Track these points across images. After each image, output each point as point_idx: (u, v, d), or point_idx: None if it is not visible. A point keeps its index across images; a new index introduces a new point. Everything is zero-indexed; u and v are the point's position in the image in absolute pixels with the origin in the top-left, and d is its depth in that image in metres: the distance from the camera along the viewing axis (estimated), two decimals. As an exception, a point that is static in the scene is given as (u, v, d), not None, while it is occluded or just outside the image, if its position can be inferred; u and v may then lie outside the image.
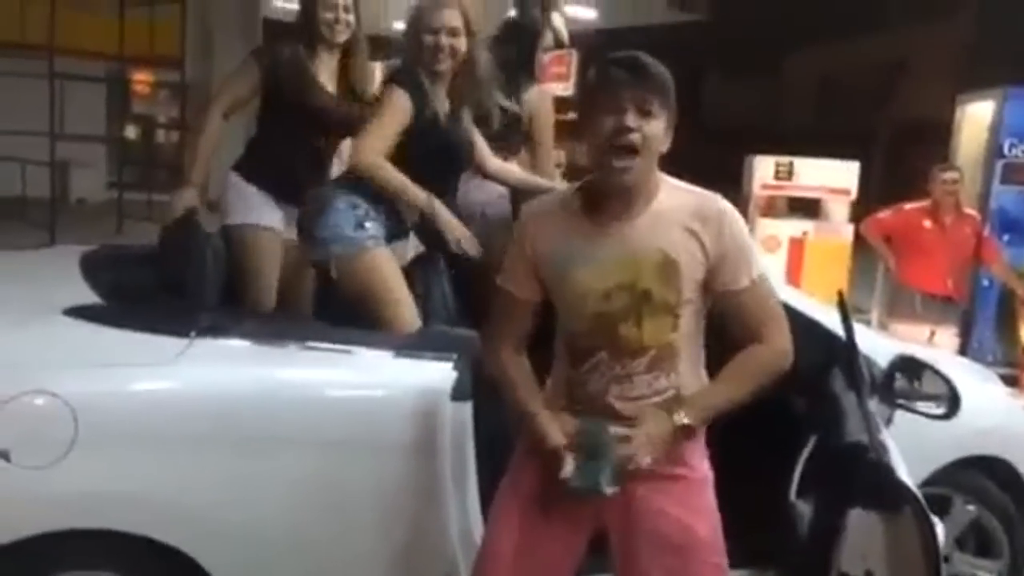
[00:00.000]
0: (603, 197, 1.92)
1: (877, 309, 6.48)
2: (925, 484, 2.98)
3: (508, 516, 2.03)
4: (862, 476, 2.14)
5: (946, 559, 3.09)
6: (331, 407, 2.33)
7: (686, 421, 1.88)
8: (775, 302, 1.99)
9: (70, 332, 2.20)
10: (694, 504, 2.00)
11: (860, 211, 6.30)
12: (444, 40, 2.75)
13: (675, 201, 1.93)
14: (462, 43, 2.77)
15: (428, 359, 2.38)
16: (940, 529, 2.09)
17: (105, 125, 15.25)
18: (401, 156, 2.69)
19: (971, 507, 3.10)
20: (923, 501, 2.01)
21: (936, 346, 5.29)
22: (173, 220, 3.09)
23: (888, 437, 2.29)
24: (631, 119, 1.83)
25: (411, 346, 2.44)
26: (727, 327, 1.99)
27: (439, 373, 2.34)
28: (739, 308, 1.95)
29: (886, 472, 2.07)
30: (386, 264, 2.71)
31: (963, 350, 5.97)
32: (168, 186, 12.64)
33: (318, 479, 2.26)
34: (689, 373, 1.99)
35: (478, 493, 2.33)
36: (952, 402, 2.61)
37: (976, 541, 3.15)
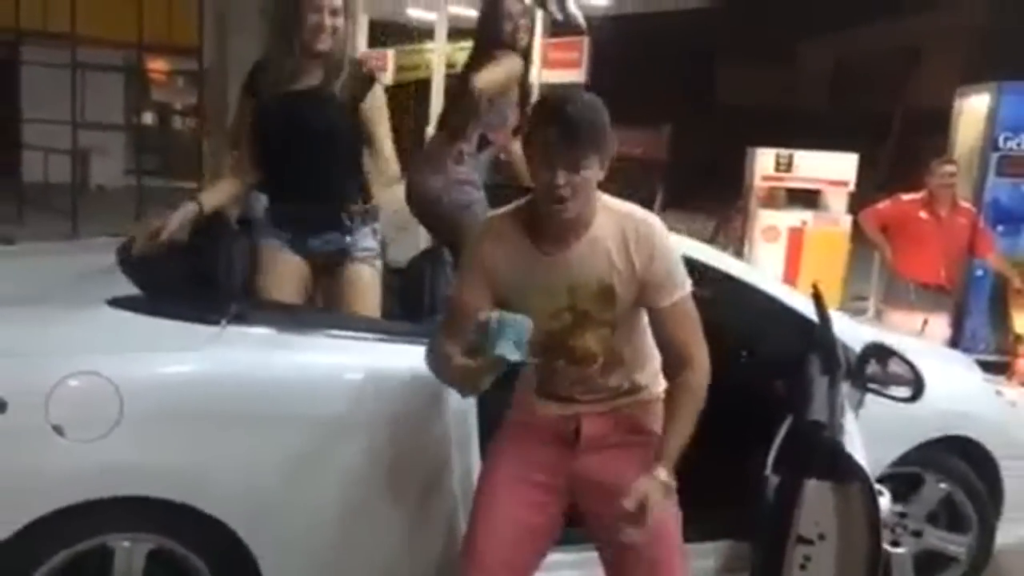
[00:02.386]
0: (546, 224, 2.11)
1: (874, 297, 6.67)
2: (899, 463, 3.22)
3: (492, 495, 2.28)
4: (818, 452, 2.37)
5: (918, 534, 3.34)
6: (348, 389, 2.56)
7: (665, 478, 2.06)
8: (694, 322, 2.17)
9: (114, 320, 2.44)
10: (651, 462, 2.20)
11: (865, 198, 6.45)
12: (327, 20, 2.80)
13: (611, 225, 2.12)
14: (341, 23, 2.82)
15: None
16: (884, 500, 2.32)
17: (123, 113, 15.50)
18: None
19: (943, 485, 3.32)
20: (870, 475, 2.24)
21: (929, 334, 5.49)
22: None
23: (852, 418, 2.51)
24: (561, 177, 1.99)
25: (418, 333, 2.67)
26: (657, 333, 2.22)
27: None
28: (661, 323, 2.16)
29: (839, 449, 2.30)
30: (269, 266, 2.93)
31: (956, 338, 6.15)
32: (185, 173, 12.96)
33: (336, 451, 2.50)
34: (636, 363, 2.24)
35: (478, 456, 2.57)
36: (916, 386, 2.82)
37: (947, 517, 3.37)
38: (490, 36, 3.57)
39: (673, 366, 2.19)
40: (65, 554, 2.31)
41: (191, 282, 2.77)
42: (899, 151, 20.22)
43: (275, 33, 2.93)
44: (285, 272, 2.94)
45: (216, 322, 2.47)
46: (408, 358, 2.58)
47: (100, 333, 2.41)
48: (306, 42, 2.81)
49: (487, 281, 2.17)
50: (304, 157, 2.89)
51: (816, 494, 2.36)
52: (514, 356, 1.96)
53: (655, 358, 2.27)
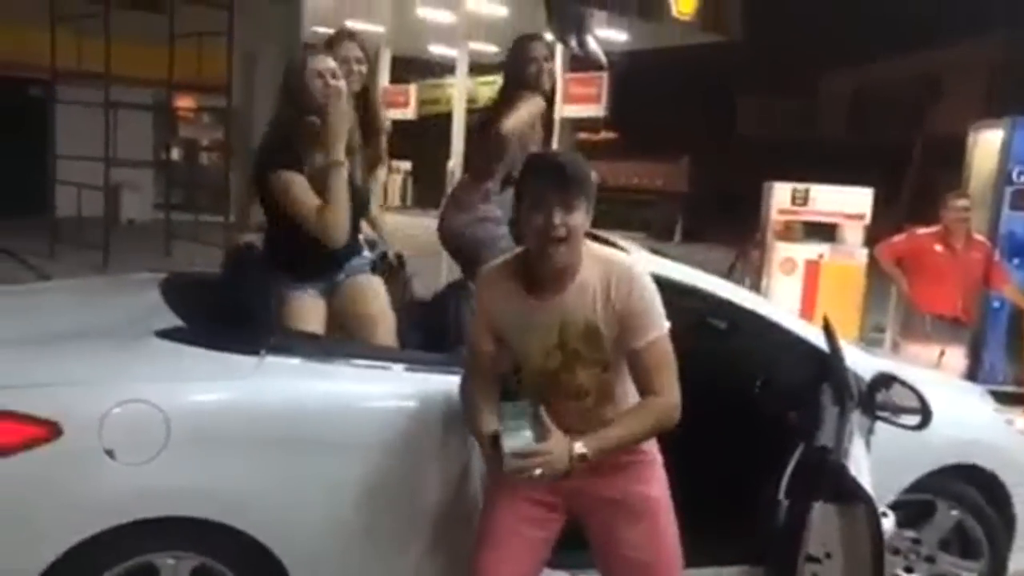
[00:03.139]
0: (538, 272, 2.33)
1: (891, 329, 6.75)
2: (911, 490, 3.31)
3: (494, 512, 2.45)
4: (825, 475, 2.49)
5: (931, 560, 3.42)
6: (377, 415, 2.72)
7: (581, 451, 2.22)
8: (670, 360, 2.32)
9: (162, 351, 2.60)
10: (647, 477, 2.42)
11: (882, 231, 6.53)
12: (330, 81, 3.03)
13: (596, 270, 2.32)
14: (343, 84, 3.08)
15: (455, 373, 2.74)
16: (887, 521, 2.43)
17: (152, 149, 15.85)
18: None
19: (954, 512, 3.40)
20: (873, 497, 2.35)
21: (946, 366, 5.56)
22: (234, 249, 3.50)
23: (860, 445, 2.62)
24: (557, 216, 2.21)
25: (444, 363, 2.81)
26: (632, 375, 2.37)
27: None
28: (636, 364, 2.32)
29: (844, 473, 2.41)
30: (293, 311, 3.07)
31: (973, 370, 6.21)
32: (212, 207, 13.26)
33: (366, 474, 2.64)
34: (624, 399, 2.40)
35: None
36: (924, 415, 2.92)
37: (959, 543, 3.45)
38: (515, 78, 3.74)
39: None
40: (113, 572, 2.44)
41: (231, 314, 2.92)
42: (919, 183, 20.28)
43: (283, 103, 3.11)
44: (314, 319, 3.10)
45: (255, 352, 2.62)
46: (434, 386, 2.73)
47: (149, 363, 2.57)
48: (317, 108, 3.01)
49: (490, 324, 2.42)
50: None
51: (823, 515, 2.47)
52: (520, 442, 2.20)
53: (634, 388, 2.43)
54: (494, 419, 2.32)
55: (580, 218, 2.24)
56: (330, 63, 3.10)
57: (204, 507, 2.47)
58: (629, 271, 2.32)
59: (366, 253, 3.33)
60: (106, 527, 2.39)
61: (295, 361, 2.68)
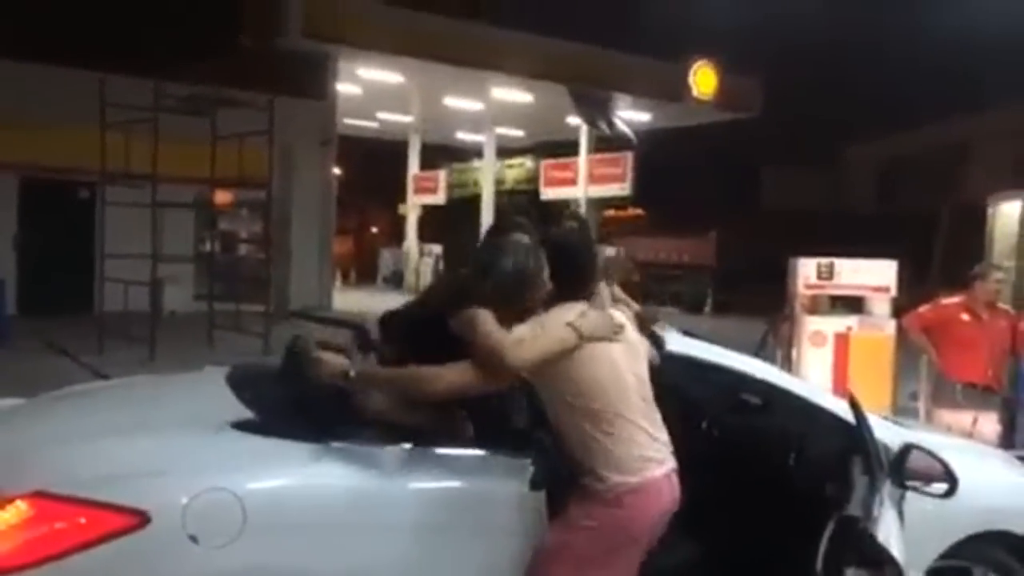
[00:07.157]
0: None
1: (923, 398, 6.84)
2: (947, 556, 3.42)
3: None
4: (854, 542, 2.64)
5: (969, 625, 3.50)
6: (438, 499, 2.89)
7: (352, 375, 2.88)
8: (477, 362, 2.79)
9: (238, 441, 2.82)
10: (559, 533, 2.78)
11: (917, 298, 6.63)
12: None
13: None
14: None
15: (508, 456, 2.94)
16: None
17: (193, 243, 16.37)
18: None
19: (990, 577, 3.50)
20: (901, 563, 2.51)
21: (979, 433, 5.65)
22: (291, 344, 3.73)
23: (891, 513, 2.77)
24: None
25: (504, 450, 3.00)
26: None
27: (518, 468, 2.90)
28: None
29: (872, 539, 2.57)
30: None
31: (1008, 437, 6.26)
32: (251, 297, 13.65)
33: (422, 554, 2.82)
34: (575, 452, 2.84)
35: None
36: (950, 483, 3.06)
37: (996, 609, 3.54)
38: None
39: None
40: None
41: (296, 403, 3.15)
42: (949, 252, 20.30)
43: (492, 295, 2.97)
44: None
45: (322, 441, 2.83)
46: (483, 468, 2.93)
47: (226, 453, 2.79)
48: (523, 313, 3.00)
49: None
50: None
51: (855, 580, 2.62)
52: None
53: (600, 462, 2.78)
54: None
55: None
56: None
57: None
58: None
59: None
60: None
61: (355, 448, 2.89)
